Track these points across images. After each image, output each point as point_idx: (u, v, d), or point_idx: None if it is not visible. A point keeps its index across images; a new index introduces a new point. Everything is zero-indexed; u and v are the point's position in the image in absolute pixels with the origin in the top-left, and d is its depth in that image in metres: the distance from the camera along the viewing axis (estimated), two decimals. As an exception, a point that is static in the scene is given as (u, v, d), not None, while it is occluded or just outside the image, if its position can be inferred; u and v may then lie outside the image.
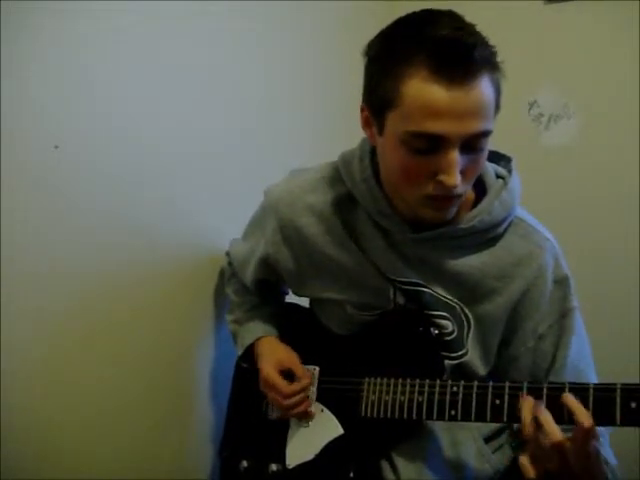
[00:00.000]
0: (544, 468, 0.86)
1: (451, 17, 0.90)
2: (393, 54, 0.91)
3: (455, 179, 0.90)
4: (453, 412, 0.96)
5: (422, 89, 0.87)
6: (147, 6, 1.24)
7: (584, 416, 0.82)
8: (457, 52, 0.86)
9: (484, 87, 0.88)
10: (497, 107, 0.93)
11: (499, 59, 0.91)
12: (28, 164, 1.07)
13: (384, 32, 0.94)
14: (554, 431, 0.84)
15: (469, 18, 0.92)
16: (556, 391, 0.87)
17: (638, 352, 1.66)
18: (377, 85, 0.94)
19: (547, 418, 0.85)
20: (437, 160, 0.90)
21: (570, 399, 0.85)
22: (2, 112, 1.02)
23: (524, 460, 0.88)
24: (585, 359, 1.08)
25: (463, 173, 0.92)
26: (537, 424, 0.86)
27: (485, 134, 0.91)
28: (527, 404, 0.88)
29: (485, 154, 0.95)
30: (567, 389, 0.86)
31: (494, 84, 0.91)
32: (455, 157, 0.89)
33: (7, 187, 1.04)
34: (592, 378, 1.08)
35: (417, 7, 0.93)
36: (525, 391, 0.90)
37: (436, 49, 0.86)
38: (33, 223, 1.09)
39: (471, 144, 0.90)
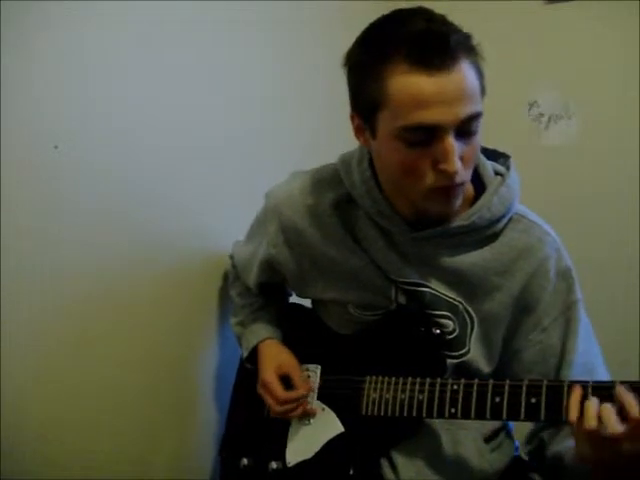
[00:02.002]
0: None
1: (422, 12, 0.91)
2: (372, 56, 0.92)
3: (455, 165, 0.91)
4: (453, 410, 0.96)
5: (406, 82, 0.89)
6: (147, 5, 1.24)
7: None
8: (433, 41, 0.88)
9: (465, 71, 0.89)
10: (482, 90, 0.93)
11: (475, 43, 0.92)
12: (28, 164, 1.07)
13: (359, 40, 0.96)
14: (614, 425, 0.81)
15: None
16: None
17: (638, 352, 1.66)
18: (362, 90, 0.95)
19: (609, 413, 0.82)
20: (434, 150, 0.91)
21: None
22: (2, 112, 1.02)
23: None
24: (594, 350, 1.07)
25: (461, 159, 0.93)
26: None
27: (476, 116, 0.92)
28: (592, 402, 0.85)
29: (479, 137, 0.95)
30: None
31: (475, 67, 0.92)
32: (451, 143, 0.90)
33: (7, 187, 1.04)
34: (602, 371, 1.06)
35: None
36: (525, 388, 0.90)
37: (412, 42, 0.88)
38: (33, 223, 1.09)
39: (464, 128, 0.91)
